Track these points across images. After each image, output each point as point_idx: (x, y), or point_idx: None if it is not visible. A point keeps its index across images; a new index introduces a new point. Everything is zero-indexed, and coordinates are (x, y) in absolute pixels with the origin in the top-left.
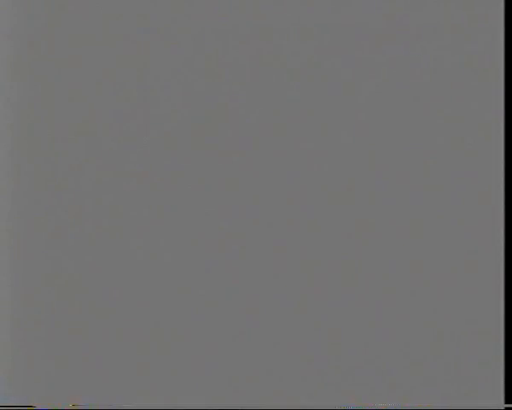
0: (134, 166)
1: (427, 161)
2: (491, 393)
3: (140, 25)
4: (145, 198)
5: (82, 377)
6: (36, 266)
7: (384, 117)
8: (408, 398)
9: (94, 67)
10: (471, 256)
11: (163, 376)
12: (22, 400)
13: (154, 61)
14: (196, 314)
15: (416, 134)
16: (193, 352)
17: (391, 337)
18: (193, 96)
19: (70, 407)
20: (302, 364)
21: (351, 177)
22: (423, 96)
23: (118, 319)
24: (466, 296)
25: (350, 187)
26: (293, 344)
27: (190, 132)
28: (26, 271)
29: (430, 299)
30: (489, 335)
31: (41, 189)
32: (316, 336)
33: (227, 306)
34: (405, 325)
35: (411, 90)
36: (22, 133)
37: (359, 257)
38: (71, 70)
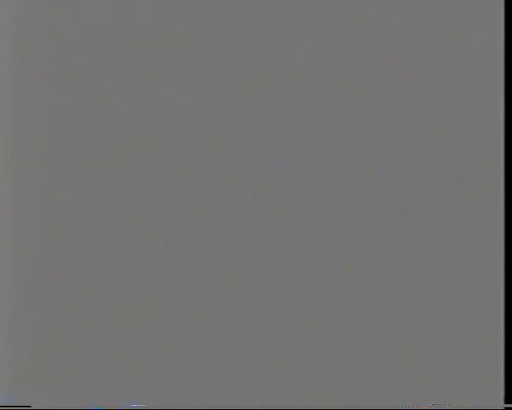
0: (134, 166)
1: (426, 160)
2: (491, 393)
3: (139, 24)
4: (145, 198)
5: (82, 378)
6: (36, 265)
7: (383, 117)
8: (408, 398)
9: (92, 67)
10: (471, 256)
11: (163, 376)
12: (21, 400)
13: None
14: (196, 315)
15: (415, 134)
16: (192, 352)
17: (390, 337)
18: (191, 96)
19: (70, 407)
20: (302, 364)
21: (350, 177)
22: (423, 97)
23: (118, 319)
24: (466, 296)
25: (349, 187)
26: (293, 344)
27: (189, 132)
28: (26, 271)
29: (430, 299)
30: (489, 335)
31: (40, 188)
32: (315, 335)
33: (226, 305)
34: (405, 324)
35: (411, 90)
36: (22, 133)
37: (358, 256)
38: (70, 69)
